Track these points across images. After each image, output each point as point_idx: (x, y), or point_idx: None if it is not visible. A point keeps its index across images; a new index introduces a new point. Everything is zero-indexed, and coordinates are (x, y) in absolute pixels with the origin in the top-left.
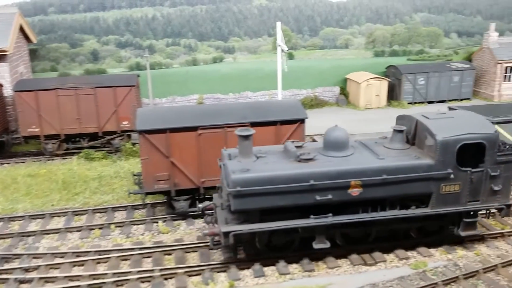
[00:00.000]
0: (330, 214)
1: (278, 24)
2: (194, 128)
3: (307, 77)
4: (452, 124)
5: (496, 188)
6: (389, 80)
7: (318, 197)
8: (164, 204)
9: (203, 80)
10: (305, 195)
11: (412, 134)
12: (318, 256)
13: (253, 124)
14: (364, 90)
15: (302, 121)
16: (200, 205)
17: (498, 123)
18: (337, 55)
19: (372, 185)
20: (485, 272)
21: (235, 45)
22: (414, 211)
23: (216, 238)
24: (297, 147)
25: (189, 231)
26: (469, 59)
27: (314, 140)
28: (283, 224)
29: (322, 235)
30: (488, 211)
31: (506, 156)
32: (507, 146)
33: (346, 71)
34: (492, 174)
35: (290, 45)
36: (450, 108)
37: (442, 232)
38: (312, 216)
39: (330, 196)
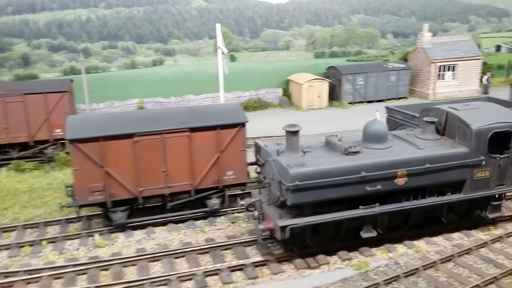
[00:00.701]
0: (377, 204)
1: (218, 26)
2: (129, 135)
3: (250, 79)
4: (481, 114)
5: None
6: (330, 81)
7: (368, 188)
8: (101, 216)
9: (143, 84)
10: (356, 186)
11: (443, 125)
12: (262, 262)
13: (193, 130)
14: (306, 91)
15: (242, 124)
16: (243, 202)
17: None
18: (278, 57)
19: (416, 174)
20: (425, 269)
21: (176, 48)
22: (450, 197)
23: (263, 233)
24: (338, 140)
25: (127, 243)
26: (404, 59)
27: (256, 144)
28: (338, 215)
29: (369, 224)
30: (504, 195)
31: None
32: None
33: (288, 72)
34: None
35: (231, 47)
36: (387, 108)
37: (470, 215)
38: (361, 207)
39: (379, 187)
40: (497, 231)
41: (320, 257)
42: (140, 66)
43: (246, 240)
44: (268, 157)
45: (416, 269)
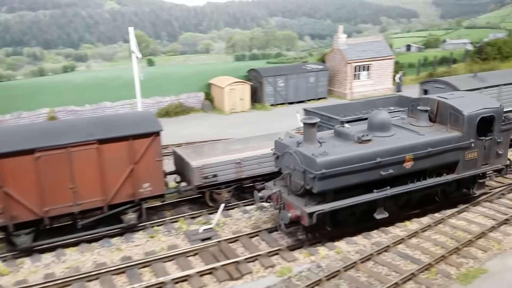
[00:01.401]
0: (388, 187)
1: (131, 29)
2: (30, 151)
3: (170, 83)
4: (468, 102)
5: (500, 152)
6: (251, 83)
7: (382, 172)
8: (3, 240)
9: (54, 92)
10: (372, 171)
11: (434, 113)
12: (182, 278)
13: (102, 141)
14: (228, 94)
15: (157, 133)
16: (261, 194)
17: (348, 121)
18: (199, 60)
19: (420, 158)
20: (345, 270)
21: (88, 52)
22: (447, 177)
23: (282, 222)
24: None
25: (34, 269)
26: (322, 60)
27: (175, 152)
28: (359, 198)
29: (382, 206)
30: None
31: (506, 126)
32: (506, 118)
33: (209, 76)
34: (498, 140)
35: (149, 50)
36: (305, 110)
37: (459, 193)
38: (375, 190)
39: (391, 171)
40: (413, 226)
41: (243, 267)
42: (49, 73)
43: (165, 255)
44: (286, 149)
45: (338, 271)
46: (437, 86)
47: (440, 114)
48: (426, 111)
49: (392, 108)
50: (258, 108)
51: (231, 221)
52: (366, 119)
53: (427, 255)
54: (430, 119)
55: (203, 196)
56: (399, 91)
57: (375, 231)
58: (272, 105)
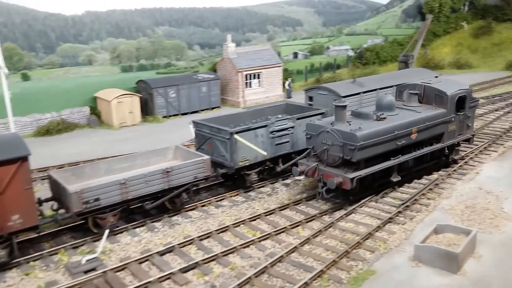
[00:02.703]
0: (400, 155)
1: None
2: None
3: (49, 99)
4: (447, 85)
5: (469, 124)
6: (140, 95)
7: (398, 143)
8: None
9: None
10: (392, 142)
11: (422, 96)
12: None
13: None
14: (116, 107)
15: (24, 158)
16: (299, 169)
17: (237, 132)
18: (81, 73)
19: (421, 130)
20: (241, 287)
21: None
22: (437, 146)
23: (323, 190)
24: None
25: None
26: (213, 69)
27: (50, 176)
28: (386, 164)
29: (395, 171)
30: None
31: (473, 103)
32: (473, 98)
33: (94, 89)
34: (468, 115)
35: (23, 64)
36: (194, 122)
37: (441, 159)
38: (392, 158)
39: (404, 141)
40: (305, 233)
41: None
42: None
43: None
44: (321, 129)
45: None
46: (321, 93)
47: (426, 96)
48: (416, 94)
49: (280, 116)
50: (150, 120)
51: (119, 247)
52: (256, 128)
53: (319, 262)
54: (418, 101)
55: (87, 222)
56: (289, 97)
57: (268, 241)
58: (164, 116)
